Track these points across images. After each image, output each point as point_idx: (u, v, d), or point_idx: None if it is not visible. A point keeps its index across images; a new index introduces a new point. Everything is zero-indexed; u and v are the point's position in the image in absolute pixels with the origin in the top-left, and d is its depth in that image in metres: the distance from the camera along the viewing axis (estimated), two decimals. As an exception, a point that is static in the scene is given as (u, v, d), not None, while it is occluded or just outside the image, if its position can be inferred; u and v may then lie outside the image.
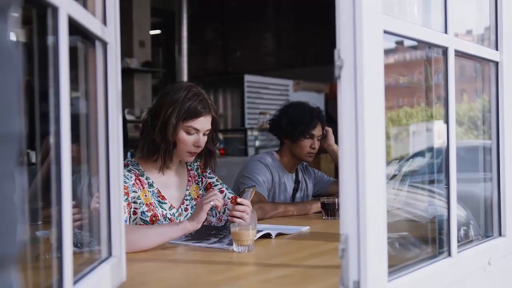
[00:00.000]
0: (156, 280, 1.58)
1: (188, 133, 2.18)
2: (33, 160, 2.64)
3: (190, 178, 2.37)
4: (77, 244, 1.33)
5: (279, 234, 2.17)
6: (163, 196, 2.23)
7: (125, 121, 3.61)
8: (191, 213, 2.28)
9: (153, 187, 2.21)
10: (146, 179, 2.21)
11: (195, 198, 2.35)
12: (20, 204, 0.60)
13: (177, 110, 2.14)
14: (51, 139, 1.01)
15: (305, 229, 2.35)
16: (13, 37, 0.60)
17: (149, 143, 2.19)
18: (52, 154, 1.01)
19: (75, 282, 1.08)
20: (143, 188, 2.18)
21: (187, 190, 2.34)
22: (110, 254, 1.37)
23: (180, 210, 2.28)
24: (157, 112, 2.18)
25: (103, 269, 1.28)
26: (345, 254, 1.18)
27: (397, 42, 1.47)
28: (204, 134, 2.22)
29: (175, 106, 2.15)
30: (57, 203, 1.01)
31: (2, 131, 0.56)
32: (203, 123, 2.20)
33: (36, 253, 1.32)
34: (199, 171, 2.41)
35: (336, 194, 2.98)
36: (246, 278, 1.61)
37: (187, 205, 2.32)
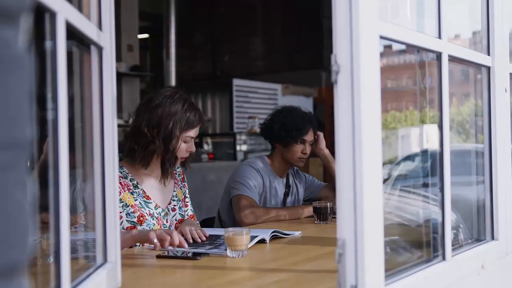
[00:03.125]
0: (151, 286, 1.58)
1: (185, 142, 2.28)
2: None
3: (176, 181, 2.45)
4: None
5: (273, 238, 2.18)
6: (148, 196, 2.29)
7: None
8: (179, 213, 2.39)
9: (138, 188, 2.27)
10: (131, 180, 2.27)
11: (181, 200, 2.43)
12: (30, 211, 0.59)
13: (178, 123, 2.23)
14: (49, 144, 1.00)
15: (298, 233, 2.35)
16: (23, 43, 0.60)
17: (149, 154, 2.24)
18: (50, 159, 1.00)
19: (72, 289, 1.07)
20: (125, 191, 2.23)
21: (174, 191, 2.42)
22: (105, 260, 1.36)
23: (166, 210, 2.34)
24: (157, 123, 2.22)
25: (99, 275, 1.27)
26: (342, 259, 1.18)
27: (385, 46, 1.47)
28: (194, 140, 2.35)
29: (175, 118, 2.23)
30: (55, 209, 1.00)
31: (14, 138, 0.56)
32: (197, 130, 2.33)
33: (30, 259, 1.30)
34: (180, 178, 2.50)
35: (327, 198, 2.98)
36: (241, 283, 1.60)
37: (174, 205, 2.39)
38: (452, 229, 1.77)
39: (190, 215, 2.44)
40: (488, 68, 1.83)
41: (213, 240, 2.12)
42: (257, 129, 3.15)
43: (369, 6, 1.19)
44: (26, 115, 0.59)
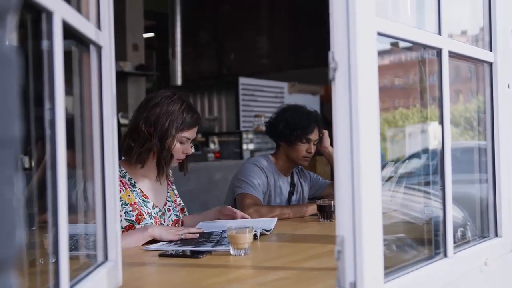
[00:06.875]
0: (152, 284, 1.58)
1: (181, 142, 2.31)
2: (26, 165, 2.64)
3: (169, 183, 2.50)
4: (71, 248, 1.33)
5: (266, 235, 2.22)
6: (146, 195, 2.32)
7: (119, 125, 3.65)
8: (174, 214, 2.43)
9: (136, 187, 2.31)
10: (129, 180, 2.30)
11: (174, 201, 2.47)
12: (19, 208, 0.60)
13: (175, 122, 2.26)
14: (47, 144, 1.01)
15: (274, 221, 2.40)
16: (11, 42, 0.60)
17: (146, 152, 2.27)
18: (48, 159, 1.01)
19: (71, 287, 1.08)
20: (126, 189, 2.27)
21: (168, 192, 2.46)
22: (106, 258, 1.37)
23: (163, 210, 2.38)
24: (154, 121, 2.25)
25: (100, 274, 1.27)
26: (341, 256, 1.18)
27: (392, 44, 1.47)
28: (191, 142, 2.37)
29: (172, 118, 2.26)
30: (53, 208, 1.01)
31: (2, 136, 0.57)
32: (194, 132, 2.35)
33: (30, 259, 1.31)
34: (172, 180, 2.54)
35: (332, 196, 2.98)
36: (243, 281, 1.60)
37: (169, 206, 2.43)
38: (460, 227, 1.77)
39: (174, 219, 2.44)
40: (491, 64, 1.82)
41: (207, 238, 2.12)
42: (263, 128, 3.14)
43: (366, 2, 1.18)
44: (15, 114, 0.59)
